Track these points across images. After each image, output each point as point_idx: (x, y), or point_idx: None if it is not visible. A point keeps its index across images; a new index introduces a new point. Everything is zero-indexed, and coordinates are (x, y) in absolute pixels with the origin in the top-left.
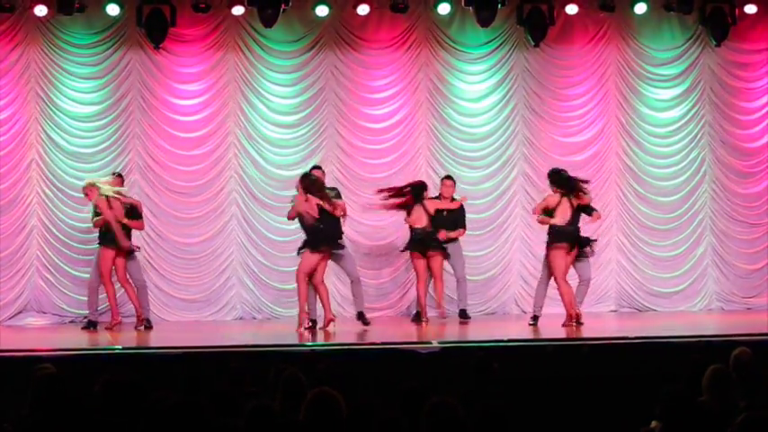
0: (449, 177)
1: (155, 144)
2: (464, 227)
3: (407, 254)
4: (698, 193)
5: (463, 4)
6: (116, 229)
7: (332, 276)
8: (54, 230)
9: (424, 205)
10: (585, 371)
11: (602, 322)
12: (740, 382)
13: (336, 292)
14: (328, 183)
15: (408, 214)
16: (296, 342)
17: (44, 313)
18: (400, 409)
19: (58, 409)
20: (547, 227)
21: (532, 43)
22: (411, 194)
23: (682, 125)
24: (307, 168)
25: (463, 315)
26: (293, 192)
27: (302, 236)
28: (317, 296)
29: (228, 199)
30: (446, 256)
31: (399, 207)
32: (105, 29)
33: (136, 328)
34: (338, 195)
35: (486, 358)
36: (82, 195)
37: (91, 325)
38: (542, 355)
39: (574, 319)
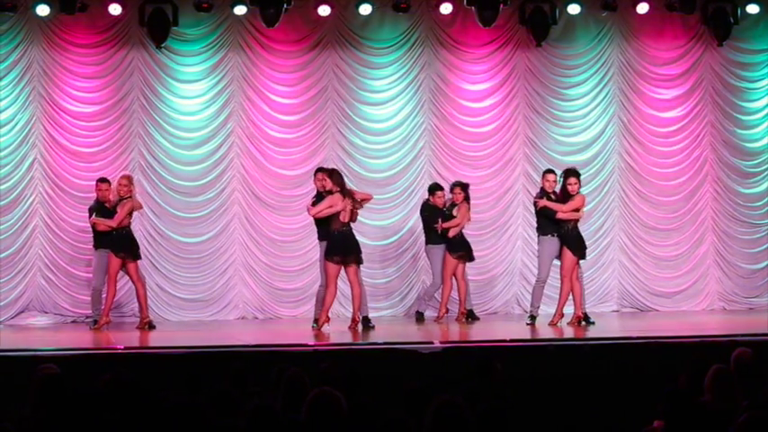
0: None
1: (157, 143)
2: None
3: (409, 254)
4: (700, 192)
5: (465, 3)
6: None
7: None
8: (56, 230)
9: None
10: (587, 371)
11: (605, 322)
12: (741, 382)
13: (339, 293)
14: None
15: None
16: (298, 342)
17: (46, 313)
18: (402, 408)
19: (59, 409)
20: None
21: (535, 43)
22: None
23: (684, 125)
24: (307, 169)
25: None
26: (295, 191)
27: (304, 236)
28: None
29: (230, 198)
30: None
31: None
32: (107, 28)
33: (138, 327)
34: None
35: (488, 358)
36: (83, 194)
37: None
38: (544, 354)
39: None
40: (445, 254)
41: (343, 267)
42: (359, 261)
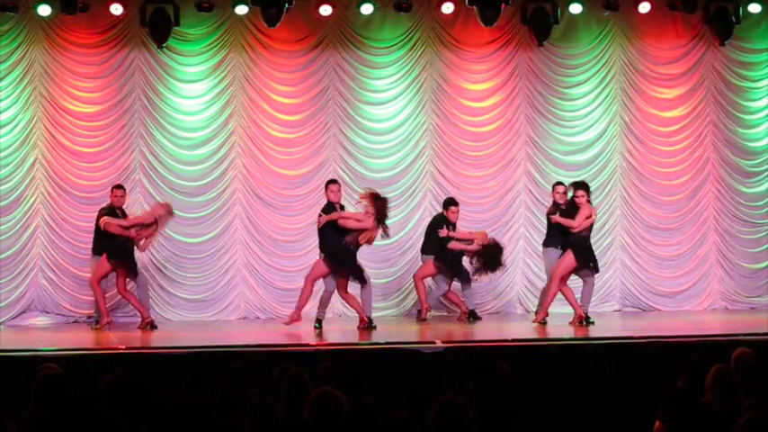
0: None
1: (158, 143)
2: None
3: (410, 254)
4: (702, 192)
5: (467, 3)
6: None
7: None
8: (57, 230)
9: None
10: (589, 370)
11: (607, 322)
12: (742, 382)
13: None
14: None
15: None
16: (299, 342)
17: (47, 313)
18: (404, 409)
19: (61, 409)
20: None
21: (536, 42)
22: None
23: (686, 124)
24: (309, 169)
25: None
26: (297, 191)
27: (305, 235)
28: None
29: (232, 198)
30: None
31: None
32: (109, 28)
33: (139, 327)
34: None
35: (488, 358)
36: (84, 194)
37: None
38: (546, 354)
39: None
40: (432, 259)
41: (333, 277)
42: (346, 278)
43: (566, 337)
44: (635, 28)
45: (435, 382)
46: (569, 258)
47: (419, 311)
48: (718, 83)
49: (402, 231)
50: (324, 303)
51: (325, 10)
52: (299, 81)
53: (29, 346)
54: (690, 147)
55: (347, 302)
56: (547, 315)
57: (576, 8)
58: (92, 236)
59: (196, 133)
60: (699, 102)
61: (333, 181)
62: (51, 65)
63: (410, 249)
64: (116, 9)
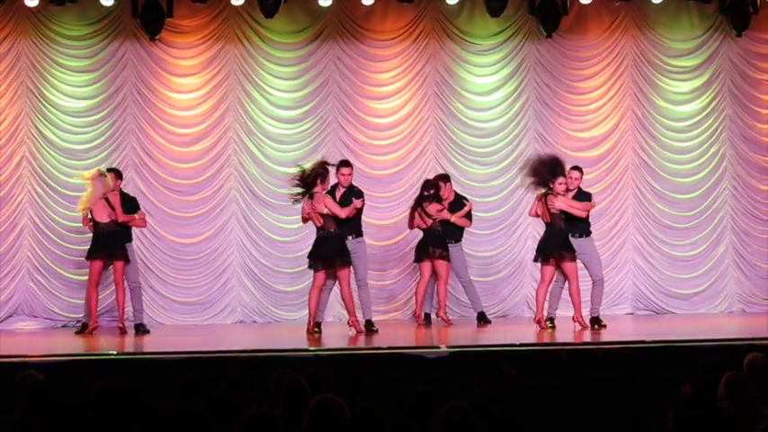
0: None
1: (151, 140)
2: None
3: (413, 254)
4: (718, 189)
5: None
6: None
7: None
8: (46, 231)
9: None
10: (600, 376)
11: (618, 325)
12: (757, 388)
13: (340, 295)
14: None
15: (412, 218)
16: (298, 347)
17: (35, 317)
18: (407, 415)
19: (49, 417)
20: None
21: (545, 34)
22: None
23: (701, 119)
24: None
25: (482, 318)
26: (294, 190)
27: (304, 236)
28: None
29: (228, 197)
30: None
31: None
32: (99, 19)
33: (136, 333)
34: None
35: (494, 364)
36: (74, 194)
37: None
38: (555, 359)
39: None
40: None
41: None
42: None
43: (576, 341)
44: (648, 18)
45: (440, 389)
46: None
47: (425, 314)
48: (735, 76)
49: (405, 231)
50: (323, 304)
51: (325, 0)
52: (297, 75)
53: (16, 351)
54: (705, 142)
55: (344, 301)
56: (550, 319)
57: None
58: (81, 236)
59: (190, 129)
60: (714, 95)
61: (345, 163)
62: (39, 58)
63: (412, 251)
64: None
